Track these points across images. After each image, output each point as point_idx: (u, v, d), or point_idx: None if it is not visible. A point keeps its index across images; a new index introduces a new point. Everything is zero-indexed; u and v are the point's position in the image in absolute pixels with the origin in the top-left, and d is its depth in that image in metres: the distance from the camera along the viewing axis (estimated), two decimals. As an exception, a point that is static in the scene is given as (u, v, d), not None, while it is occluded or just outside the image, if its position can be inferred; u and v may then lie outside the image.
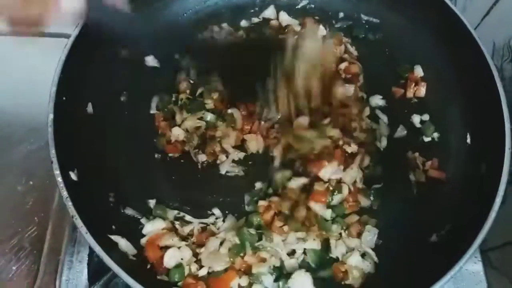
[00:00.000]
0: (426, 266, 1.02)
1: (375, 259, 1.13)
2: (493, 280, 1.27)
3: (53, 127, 1.04)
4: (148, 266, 1.09)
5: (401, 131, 1.33)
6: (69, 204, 0.96)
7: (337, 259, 1.14)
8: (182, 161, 1.29)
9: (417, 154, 1.29)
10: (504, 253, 1.44)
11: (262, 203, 1.19)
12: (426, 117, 1.35)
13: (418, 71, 1.41)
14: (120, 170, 1.23)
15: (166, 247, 1.11)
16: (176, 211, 1.20)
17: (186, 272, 1.08)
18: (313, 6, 1.53)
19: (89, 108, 1.21)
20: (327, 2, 1.52)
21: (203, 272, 1.08)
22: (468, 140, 1.24)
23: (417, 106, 1.37)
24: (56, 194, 1.28)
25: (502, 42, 1.50)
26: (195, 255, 1.11)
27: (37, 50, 1.51)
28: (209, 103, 1.33)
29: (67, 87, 1.10)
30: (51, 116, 1.05)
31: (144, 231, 1.15)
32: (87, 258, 1.20)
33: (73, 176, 1.04)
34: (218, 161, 1.28)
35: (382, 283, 1.10)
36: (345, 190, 1.19)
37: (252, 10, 1.51)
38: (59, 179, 0.98)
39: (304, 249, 1.14)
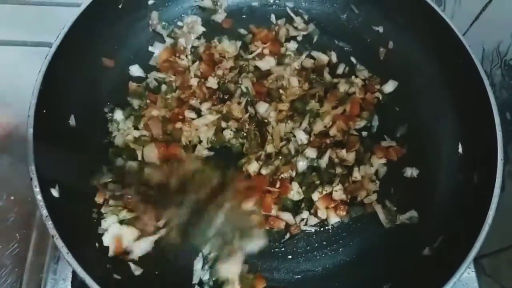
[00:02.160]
0: (421, 280, 1.01)
1: None
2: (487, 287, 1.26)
3: (33, 142, 1.00)
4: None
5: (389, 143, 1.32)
6: (49, 223, 0.92)
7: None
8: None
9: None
10: (497, 260, 1.43)
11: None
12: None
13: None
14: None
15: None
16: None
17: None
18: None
19: (72, 121, 1.17)
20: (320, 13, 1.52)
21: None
22: (460, 150, 1.22)
23: (407, 116, 1.36)
24: (38, 210, 1.23)
25: (492, 47, 1.49)
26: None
27: (18, 59, 1.48)
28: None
29: (48, 100, 1.07)
30: (31, 130, 1.01)
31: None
32: (71, 276, 1.16)
33: (55, 192, 1.01)
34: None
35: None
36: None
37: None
38: (39, 197, 0.94)
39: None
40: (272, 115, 1.32)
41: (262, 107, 1.33)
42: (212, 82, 1.36)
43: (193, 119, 1.30)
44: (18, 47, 1.52)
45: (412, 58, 1.40)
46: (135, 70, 1.37)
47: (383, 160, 1.28)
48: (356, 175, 1.24)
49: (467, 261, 0.93)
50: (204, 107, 1.32)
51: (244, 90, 1.34)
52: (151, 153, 1.21)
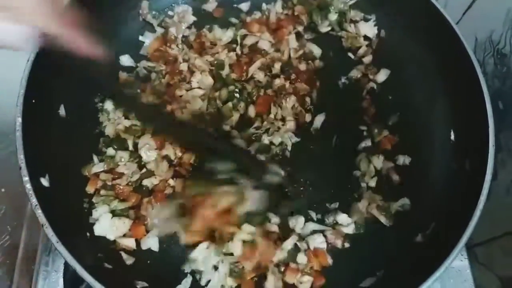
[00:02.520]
0: (413, 267, 1.01)
1: None
2: (480, 276, 1.27)
3: (22, 132, 0.99)
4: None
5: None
6: (39, 212, 0.91)
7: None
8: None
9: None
10: (490, 248, 1.44)
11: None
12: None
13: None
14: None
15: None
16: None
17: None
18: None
19: (61, 111, 1.16)
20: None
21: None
22: (452, 137, 1.22)
23: (399, 104, 1.35)
24: (29, 201, 1.22)
25: (484, 36, 1.49)
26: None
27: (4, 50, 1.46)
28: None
29: (37, 89, 1.05)
30: (19, 120, 1.00)
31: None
32: (63, 268, 1.15)
33: (44, 182, 1.00)
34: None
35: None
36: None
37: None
38: (28, 185, 0.93)
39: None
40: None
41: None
42: (202, 62, 1.35)
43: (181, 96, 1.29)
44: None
45: (405, 47, 1.39)
46: (126, 60, 1.36)
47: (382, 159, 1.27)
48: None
49: (459, 246, 0.93)
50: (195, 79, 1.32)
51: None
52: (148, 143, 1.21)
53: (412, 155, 1.26)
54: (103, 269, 1.00)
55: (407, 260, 1.08)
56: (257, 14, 1.46)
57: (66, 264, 1.14)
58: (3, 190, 1.28)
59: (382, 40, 1.44)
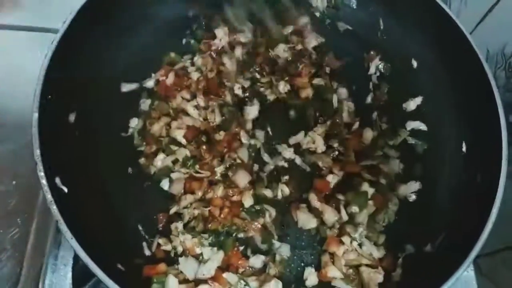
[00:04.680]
0: (421, 277, 1.01)
1: None
2: (483, 287, 1.27)
3: (38, 127, 0.99)
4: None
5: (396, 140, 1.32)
6: (54, 208, 0.91)
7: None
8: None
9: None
10: (493, 260, 1.45)
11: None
12: (422, 126, 1.34)
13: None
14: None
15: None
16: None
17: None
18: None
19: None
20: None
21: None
22: (464, 149, 1.22)
23: (413, 114, 1.36)
24: (41, 195, 1.23)
25: (496, 49, 1.49)
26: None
27: (22, 44, 1.47)
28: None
29: (53, 85, 1.06)
30: (36, 115, 1.00)
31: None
32: (72, 261, 1.15)
33: (58, 180, 1.00)
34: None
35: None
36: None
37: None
38: (44, 181, 0.94)
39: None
40: None
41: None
42: None
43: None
44: (23, 32, 1.51)
45: (418, 56, 1.40)
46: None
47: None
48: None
49: (469, 259, 0.94)
50: None
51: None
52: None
53: (423, 166, 1.27)
54: (115, 269, 1.00)
55: (416, 269, 1.08)
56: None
57: (76, 258, 1.15)
58: (14, 182, 1.27)
59: (393, 49, 1.44)
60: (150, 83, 1.37)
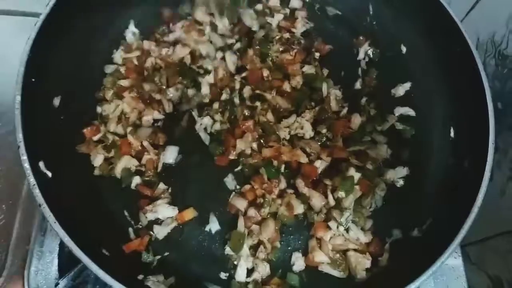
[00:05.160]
0: (408, 261, 1.02)
1: None
2: (472, 275, 1.28)
3: (21, 110, 0.97)
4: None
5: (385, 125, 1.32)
6: (36, 191, 0.90)
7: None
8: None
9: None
10: (482, 248, 1.45)
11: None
12: (410, 111, 1.33)
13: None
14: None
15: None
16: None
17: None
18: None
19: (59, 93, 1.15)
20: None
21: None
22: (452, 134, 1.23)
23: (401, 100, 1.36)
24: (25, 181, 1.22)
25: (486, 37, 1.48)
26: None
27: (6, 29, 1.44)
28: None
29: (36, 68, 1.04)
30: (19, 98, 0.99)
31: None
32: (57, 248, 1.15)
33: (42, 164, 0.99)
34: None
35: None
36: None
37: None
38: (26, 165, 0.93)
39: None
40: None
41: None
42: None
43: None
44: (5, 17, 1.48)
45: (407, 42, 1.39)
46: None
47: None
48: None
49: (454, 243, 0.94)
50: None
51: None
52: None
53: (411, 151, 1.27)
54: (99, 253, 0.99)
55: (402, 254, 1.08)
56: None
57: (62, 245, 1.14)
58: (-1, 169, 1.26)
59: (384, 33, 1.44)
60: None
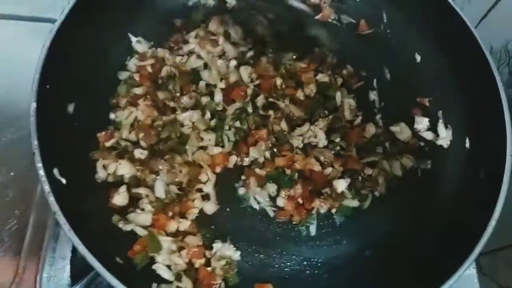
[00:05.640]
0: (424, 276, 1.01)
1: None
2: (484, 286, 1.26)
3: (36, 117, 0.98)
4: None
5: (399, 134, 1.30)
6: (51, 199, 0.90)
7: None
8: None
9: (411, 157, 1.26)
10: (495, 259, 1.43)
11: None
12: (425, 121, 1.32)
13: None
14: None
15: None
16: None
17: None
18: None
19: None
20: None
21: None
22: (467, 145, 1.21)
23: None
24: (39, 186, 1.22)
25: (500, 45, 1.48)
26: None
27: (20, 35, 1.45)
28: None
29: (51, 75, 1.04)
30: (34, 105, 0.98)
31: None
32: (70, 255, 1.14)
33: (56, 172, 0.99)
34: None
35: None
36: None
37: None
38: (41, 172, 0.92)
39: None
40: None
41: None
42: None
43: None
44: (22, 22, 1.49)
45: (421, 50, 1.38)
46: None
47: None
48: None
49: (472, 257, 0.93)
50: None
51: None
52: None
53: (426, 162, 1.26)
54: (113, 262, 0.99)
55: (418, 266, 1.07)
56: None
57: (74, 251, 1.14)
58: (12, 174, 1.26)
59: (398, 41, 1.43)
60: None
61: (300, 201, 1.18)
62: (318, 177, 1.21)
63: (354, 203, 1.19)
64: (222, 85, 1.32)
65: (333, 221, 1.19)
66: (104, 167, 1.15)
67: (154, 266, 1.05)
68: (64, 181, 0.99)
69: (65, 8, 1.10)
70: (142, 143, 1.20)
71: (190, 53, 1.35)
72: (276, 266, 1.13)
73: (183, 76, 1.30)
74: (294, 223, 1.18)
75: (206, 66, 1.34)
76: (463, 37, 1.22)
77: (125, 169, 1.15)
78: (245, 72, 1.33)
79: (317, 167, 1.21)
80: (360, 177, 1.22)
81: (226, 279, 1.07)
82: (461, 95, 1.27)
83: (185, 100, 1.27)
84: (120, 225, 1.08)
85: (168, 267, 1.06)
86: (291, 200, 1.18)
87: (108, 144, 1.18)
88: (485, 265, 1.43)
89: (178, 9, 1.44)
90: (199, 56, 1.34)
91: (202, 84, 1.31)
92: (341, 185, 1.17)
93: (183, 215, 1.15)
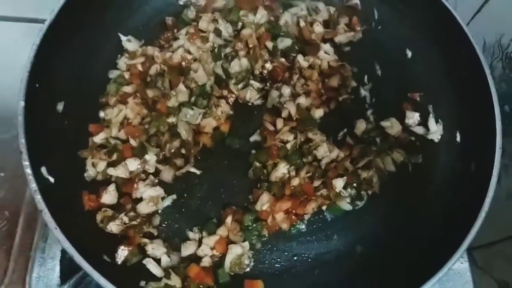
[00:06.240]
0: (414, 267, 1.00)
1: None
2: (479, 279, 1.26)
3: (24, 116, 0.98)
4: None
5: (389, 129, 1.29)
6: (38, 197, 0.90)
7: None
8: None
9: (401, 151, 1.26)
10: (489, 252, 1.43)
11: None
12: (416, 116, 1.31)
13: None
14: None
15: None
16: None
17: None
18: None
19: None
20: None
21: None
22: (458, 139, 1.21)
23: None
24: (28, 187, 1.21)
25: (493, 40, 1.48)
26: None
27: (10, 35, 1.45)
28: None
29: (40, 74, 1.04)
30: (22, 103, 0.99)
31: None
32: (59, 255, 1.14)
33: (44, 170, 0.99)
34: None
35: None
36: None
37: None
38: (28, 170, 0.92)
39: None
40: None
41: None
42: None
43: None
44: (11, 23, 1.49)
45: (412, 46, 1.38)
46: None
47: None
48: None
49: (462, 248, 0.93)
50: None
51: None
52: None
53: (417, 156, 1.25)
54: (101, 260, 0.98)
55: (409, 259, 1.06)
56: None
57: (63, 252, 1.14)
58: (2, 174, 1.26)
59: (389, 37, 1.42)
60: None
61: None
62: (308, 188, 1.19)
63: (348, 206, 1.18)
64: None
65: (324, 217, 1.18)
66: (93, 165, 1.14)
67: (144, 261, 1.04)
68: (52, 180, 0.99)
69: (54, 9, 1.11)
70: (132, 141, 1.19)
71: (179, 47, 1.34)
72: (267, 262, 1.12)
73: (172, 70, 1.29)
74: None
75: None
76: (453, 33, 1.22)
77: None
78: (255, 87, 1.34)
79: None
80: (355, 183, 1.19)
81: (216, 276, 1.07)
82: (452, 90, 1.27)
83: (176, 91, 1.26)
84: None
85: (158, 262, 1.06)
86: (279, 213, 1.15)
87: (97, 140, 1.17)
88: (480, 259, 1.43)
89: (169, 8, 1.43)
90: (188, 52, 1.33)
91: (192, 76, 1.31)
92: (339, 184, 1.16)
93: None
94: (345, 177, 1.16)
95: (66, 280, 1.10)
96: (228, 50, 1.34)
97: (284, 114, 1.26)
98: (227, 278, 1.07)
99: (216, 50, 1.34)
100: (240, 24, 1.38)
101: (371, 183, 1.19)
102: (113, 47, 1.32)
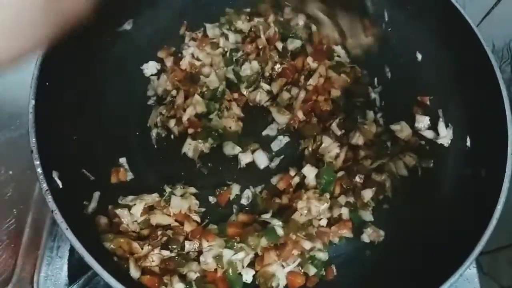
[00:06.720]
0: (423, 274, 1.00)
1: None
2: (485, 285, 1.26)
3: (34, 114, 0.97)
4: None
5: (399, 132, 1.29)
6: (49, 197, 0.89)
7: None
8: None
9: (413, 155, 1.25)
10: (495, 258, 1.43)
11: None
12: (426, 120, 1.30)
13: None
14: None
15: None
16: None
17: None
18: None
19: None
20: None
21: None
22: (468, 143, 1.20)
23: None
24: (37, 185, 1.21)
25: (502, 43, 1.47)
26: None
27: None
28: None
29: (51, 72, 1.03)
30: (33, 102, 0.98)
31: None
32: (68, 254, 1.14)
33: (54, 174, 0.98)
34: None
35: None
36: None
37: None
38: (39, 170, 0.91)
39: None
40: None
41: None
42: None
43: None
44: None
45: (423, 49, 1.37)
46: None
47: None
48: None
49: (473, 256, 0.92)
50: None
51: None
52: None
53: (427, 161, 1.25)
54: (111, 261, 0.98)
55: (418, 266, 1.06)
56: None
57: (71, 251, 1.14)
58: (10, 172, 1.26)
59: (400, 40, 1.41)
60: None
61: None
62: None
63: (370, 217, 1.17)
64: None
65: (334, 221, 1.18)
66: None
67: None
68: (60, 184, 0.98)
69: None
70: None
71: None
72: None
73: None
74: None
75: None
76: (464, 36, 1.20)
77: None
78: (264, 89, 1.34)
79: None
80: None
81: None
82: (462, 94, 1.26)
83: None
84: None
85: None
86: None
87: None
88: (486, 264, 1.43)
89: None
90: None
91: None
92: (368, 194, 1.16)
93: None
94: (374, 188, 1.16)
95: (74, 280, 1.10)
96: (239, 54, 1.33)
97: None
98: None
99: (228, 54, 1.34)
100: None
101: (384, 187, 1.18)
102: (128, 44, 1.32)
